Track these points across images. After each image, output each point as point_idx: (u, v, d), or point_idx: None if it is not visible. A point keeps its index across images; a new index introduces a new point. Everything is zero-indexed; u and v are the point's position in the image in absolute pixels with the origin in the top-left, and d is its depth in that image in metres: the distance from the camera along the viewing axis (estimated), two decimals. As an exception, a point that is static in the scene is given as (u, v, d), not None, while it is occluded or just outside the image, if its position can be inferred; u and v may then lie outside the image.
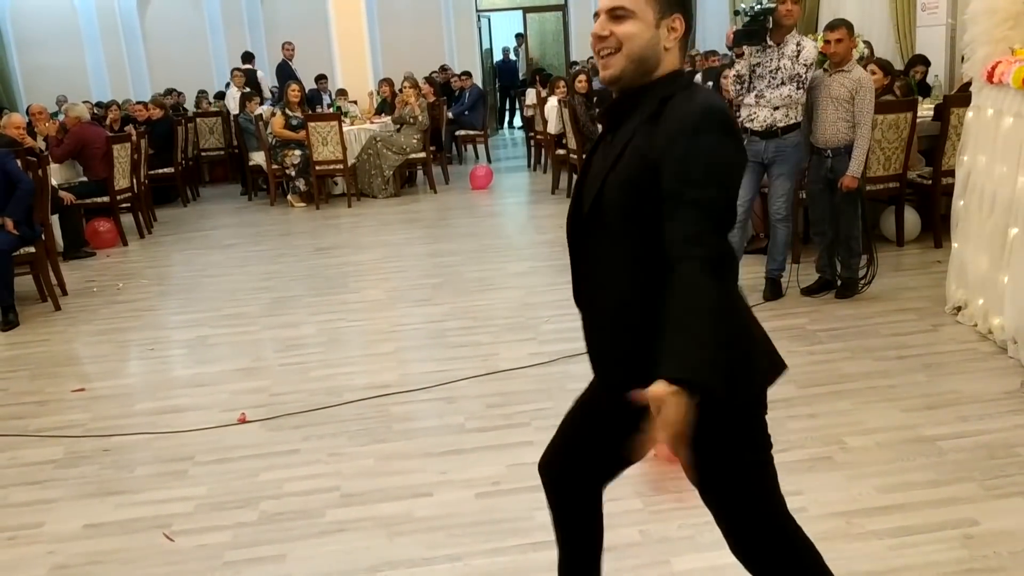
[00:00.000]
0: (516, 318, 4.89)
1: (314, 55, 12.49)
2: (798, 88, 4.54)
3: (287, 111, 9.13)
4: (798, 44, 4.54)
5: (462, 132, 11.98)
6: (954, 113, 5.54)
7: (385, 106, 10.55)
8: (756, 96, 4.62)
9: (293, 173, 9.12)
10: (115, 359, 4.73)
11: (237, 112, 10.08)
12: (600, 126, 1.81)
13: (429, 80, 11.47)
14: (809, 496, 2.80)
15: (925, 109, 6.14)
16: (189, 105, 12.66)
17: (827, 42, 4.58)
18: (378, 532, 2.79)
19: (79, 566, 2.72)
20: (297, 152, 9.05)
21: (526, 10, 17.22)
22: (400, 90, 9.84)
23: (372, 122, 9.94)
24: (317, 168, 9.01)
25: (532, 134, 11.07)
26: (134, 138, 8.07)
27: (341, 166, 9.01)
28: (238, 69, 11.89)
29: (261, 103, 10.19)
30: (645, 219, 1.59)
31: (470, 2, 15.55)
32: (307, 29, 13.40)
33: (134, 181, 7.98)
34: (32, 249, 5.60)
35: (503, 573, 2.53)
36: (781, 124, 4.58)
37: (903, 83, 6.55)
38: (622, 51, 1.62)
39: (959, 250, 4.43)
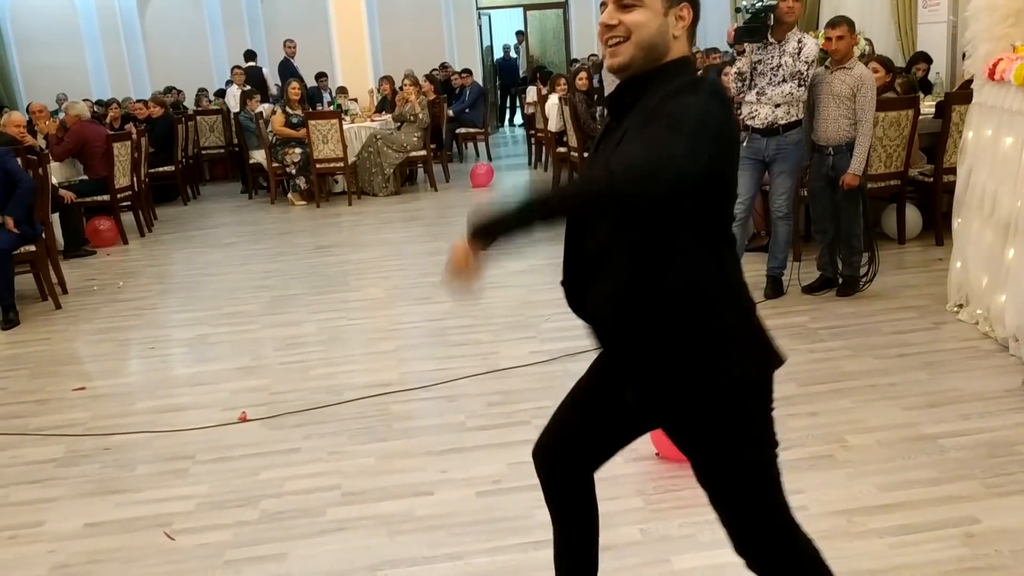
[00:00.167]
0: (516, 316, 4.89)
1: (314, 53, 12.47)
2: (799, 85, 4.53)
3: (287, 109, 9.13)
4: (799, 41, 4.53)
5: (463, 130, 11.97)
6: (955, 110, 5.53)
7: (386, 104, 10.54)
8: (757, 93, 4.61)
9: (294, 171, 9.12)
10: (115, 358, 4.73)
11: (237, 110, 10.07)
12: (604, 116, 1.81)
13: (429, 78, 11.46)
14: (810, 494, 2.80)
15: (927, 106, 6.13)
16: (189, 103, 12.66)
17: (828, 39, 4.58)
18: (379, 531, 2.78)
19: (80, 565, 2.71)
20: (298, 150, 9.05)
21: (526, 7, 17.20)
22: (400, 88, 9.84)
23: (373, 120, 9.93)
24: (318, 166, 9.00)
25: (533, 132, 11.07)
26: (134, 136, 8.07)
27: (341, 164, 9.00)
28: (239, 67, 11.89)
29: (265, 101, 10.19)
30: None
31: None
32: (307, 27, 13.39)
33: (134, 179, 7.98)
34: (32, 248, 5.60)
35: (504, 572, 2.53)
36: (782, 121, 4.58)
37: (904, 80, 6.54)
38: (631, 39, 1.61)
39: (960, 267, 4.42)
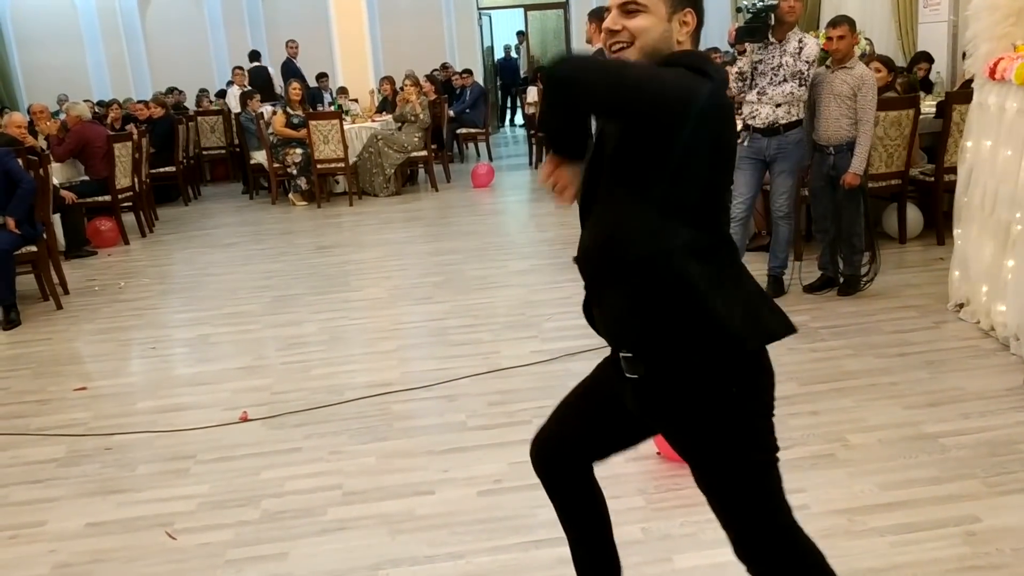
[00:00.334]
0: (517, 316, 4.89)
1: (315, 53, 12.49)
2: (800, 85, 4.53)
3: (288, 109, 9.13)
4: (800, 41, 4.53)
5: (463, 130, 11.98)
6: (956, 110, 5.53)
7: (386, 104, 10.55)
8: (758, 93, 4.61)
9: (294, 171, 9.12)
10: (117, 358, 4.73)
11: (238, 111, 10.08)
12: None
13: (430, 78, 11.46)
14: (811, 493, 2.80)
15: (927, 106, 6.12)
16: (190, 104, 12.67)
17: (829, 39, 4.58)
18: (380, 530, 2.78)
19: (81, 564, 2.72)
20: (298, 150, 9.05)
21: (527, 8, 17.20)
22: (401, 88, 9.84)
23: (373, 120, 9.93)
24: (318, 166, 9.01)
25: (533, 132, 11.07)
26: (135, 137, 8.08)
27: (342, 164, 9.01)
28: (240, 68, 11.91)
29: (272, 100, 10.19)
30: (645, 170, 1.59)
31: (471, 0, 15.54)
32: (308, 27, 13.40)
33: (135, 180, 7.99)
34: (34, 248, 5.60)
35: (505, 571, 2.53)
36: (783, 121, 4.57)
37: (904, 80, 6.54)
38: (635, 45, 1.63)
39: (961, 246, 4.42)
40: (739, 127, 4.94)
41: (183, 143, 9.82)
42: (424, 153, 9.48)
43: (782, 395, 3.59)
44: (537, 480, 2.13)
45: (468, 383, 3.95)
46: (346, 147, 8.92)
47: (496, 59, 17.16)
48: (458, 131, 11.90)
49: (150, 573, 2.65)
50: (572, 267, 1.82)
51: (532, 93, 11.43)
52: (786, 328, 1.70)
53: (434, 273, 5.99)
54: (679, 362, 1.64)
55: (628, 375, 1.71)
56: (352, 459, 3.29)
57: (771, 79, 4.57)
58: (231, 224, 8.54)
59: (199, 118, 10.98)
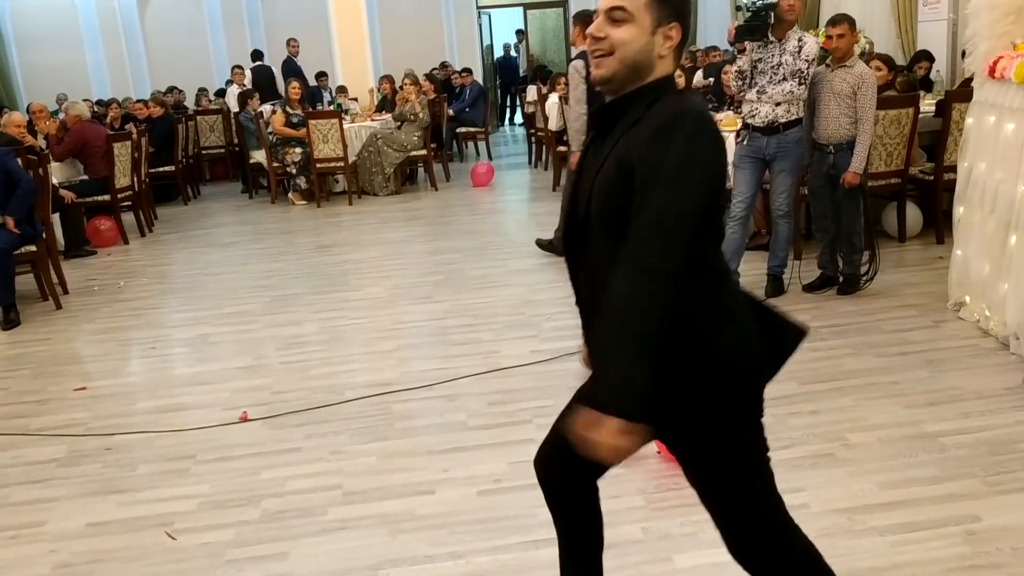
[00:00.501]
0: (517, 315, 4.89)
1: (314, 52, 12.48)
2: (800, 84, 4.53)
3: (288, 108, 9.13)
4: (800, 40, 4.53)
5: (463, 129, 11.98)
6: (956, 109, 5.53)
7: (386, 103, 10.54)
8: (758, 92, 4.61)
9: (294, 171, 9.12)
10: (116, 358, 4.73)
11: (238, 110, 10.08)
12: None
13: (430, 77, 11.46)
14: (811, 493, 2.80)
15: (927, 105, 6.13)
16: (190, 103, 12.67)
17: (829, 37, 4.58)
18: (380, 530, 2.79)
19: (81, 564, 2.72)
20: (298, 150, 9.05)
21: (527, 6, 17.20)
22: (401, 87, 9.84)
23: (373, 119, 9.93)
24: (318, 166, 9.00)
25: (533, 131, 11.07)
26: (135, 136, 8.07)
27: (342, 164, 9.01)
28: (239, 67, 11.90)
29: (276, 99, 10.18)
30: (624, 225, 1.57)
31: (470, -1, 15.55)
32: (307, 26, 13.39)
33: (135, 179, 7.99)
34: (33, 248, 5.60)
35: (505, 571, 2.53)
36: (783, 120, 4.57)
37: (904, 79, 6.54)
38: (615, 55, 1.61)
39: (961, 256, 4.42)
40: (739, 125, 4.94)
41: (182, 142, 9.82)
42: (423, 152, 9.48)
43: (782, 394, 3.61)
44: (536, 481, 2.13)
45: (468, 383, 3.96)
46: (345, 146, 8.92)
47: (495, 58, 17.16)
48: (458, 130, 11.90)
49: (150, 573, 2.65)
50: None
51: (531, 92, 11.43)
52: (774, 360, 1.71)
53: (434, 272, 5.99)
54: (684, 388, 1.65)
55: None
56: (352, 459, 3.30)
57: (771, 78, 4.57)
58: (230, 223, 8.54)
59: (198, 117, 10.98)
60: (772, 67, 4.56)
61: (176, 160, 9.54)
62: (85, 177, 7.69)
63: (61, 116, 8.21)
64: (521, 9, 17.27)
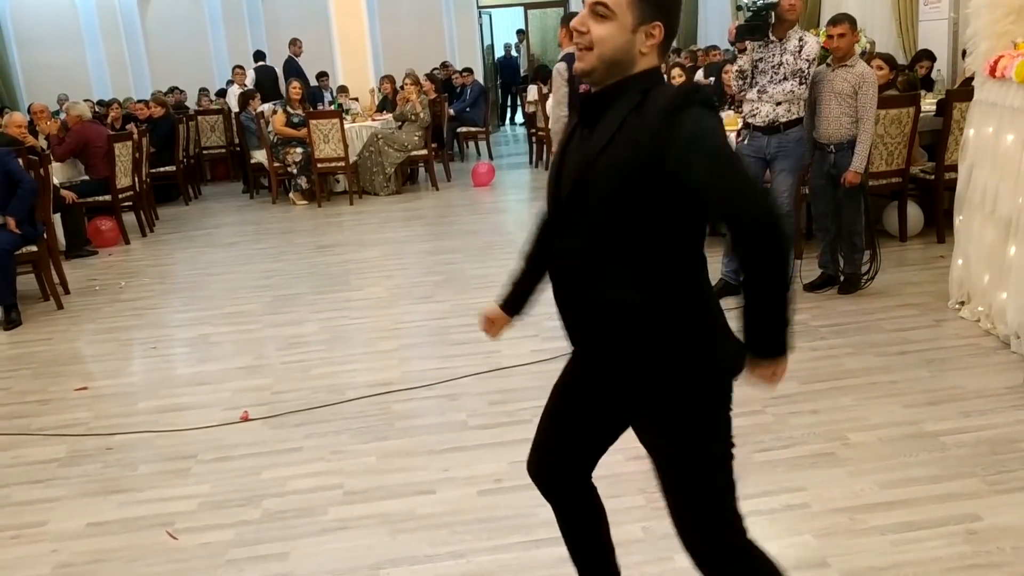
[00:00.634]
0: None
1: (315, 52, 12.48)
2: (800, 83, 4.53)
3: (288, 108, 9.13)
4: (800, 39, 4.53)
5: (464, 129, 11.98)
6: (956, 108, 5.52)
7: (386, 103, 10.54)
8: (758, 91, 4.61)
9: (295, 171, 9.12)
10: (117, 358, 4.74)
11: (238, 110, 10.08)
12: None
13: (430, 77, 11.46)
14: (812, 492, 2.80)
15: (928, 104, 6.12)
16: (191, 103, 12.67)
17: (829, 37, 4.57)
18: (381, 529, 2.79)
19: (82, 564, 2.72)
20: (299, 150, 9.05)
21: (527, 6, 17.19)
22: (401, 87, 9.84)
23: (373, 119, 9.93)
24: (319, 165, 9.00)
25: (533, 131, 11.06)
26: (135, 136, 8.08)
27: (343, 163, 9.01)
28: (240, 67, 11.91)
29: (277, 99, 10.19)
30: (631, 206, 1.60)
31: (471, -2, 15.54)
32: (308, 26, 13.39)
33: (136, 179, 7.99)
34: (34, 248, 5.61)
35: (506, 570, 2.53)
36: (783, 119, 4.57)
37: (904, 78, 6.54)
38: (594, 51, 1.62)
39: (962, 264, 4.42)
40: (739, 125, 4.94)
41: (183, 142, 9.82)
42: (424, 152, 9.48)
43: (782, 394, 3.61)
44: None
45: (469, 382, 3.96)
46: (346, 146, 8.92)
47: (496, 58, 17.15)
48: (458, 130, 11.89)
49: (151, 573, 2.66)
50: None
51: (532, 92, 11.42)
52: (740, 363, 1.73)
53: (434, 272, 5.99)
54: (661, 374, 1.69)
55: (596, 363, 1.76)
56: (353, 458, 3.30)
57: (771, 77, 4.57)
58: (231, 223, 8.54)
59: (199, 117, 10.98)
60: (773, 67, 4.56)
61: (177, 160, 9.54)
62: (86, 177, 7.70)
63: (62, 116, 8.22)
64: (522, 9, 17.27)
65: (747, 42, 4.67)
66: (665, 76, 7.69)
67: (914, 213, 5.93)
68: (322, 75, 12.08)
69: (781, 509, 2.71)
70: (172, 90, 12.80)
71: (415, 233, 7.46)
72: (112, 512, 3.02)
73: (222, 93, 12.58)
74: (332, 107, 10.26)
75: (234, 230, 8.15)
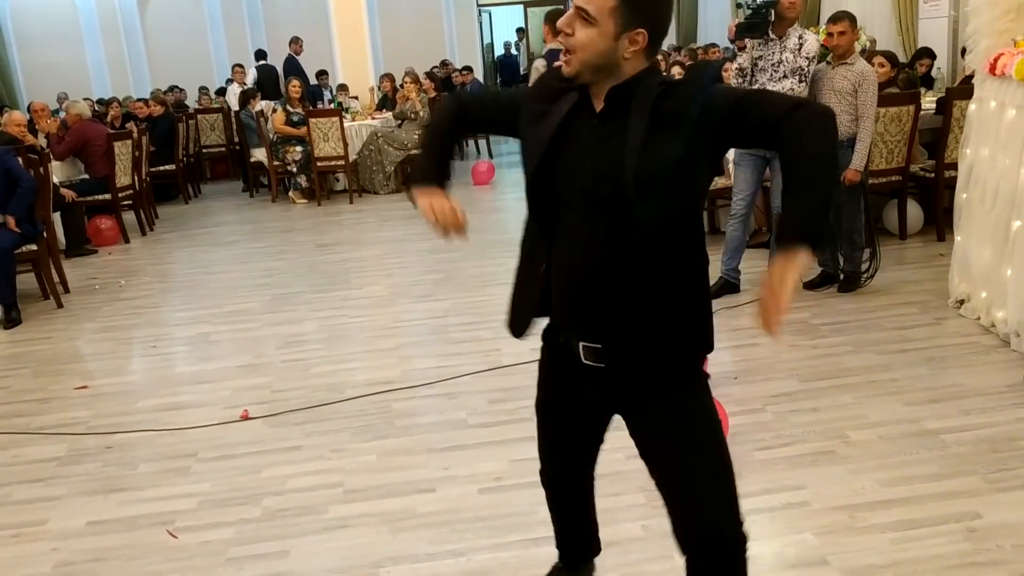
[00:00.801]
0: (518, 313, 4.87)
1: (315, 51, 12.48)
2: (800, 81, 4.52)
3: (288, 107, 9.13)
4: (800, 37, 4.52)
5: (463, 127, 11.94)
6: (956, 106, 5.52)
7: (386, 102, 10.54)
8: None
9: (294, 169, 9.12)
10: (117, 356, 4.74)
11: (238, 108, 10.08)
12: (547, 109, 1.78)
13: (430, 75, 11.46)
14: (812, 490, 2.80)
15: (928, 102, 6.12)
16: (190, 102, 12.66)
17: (829, 35, 4.57)
18: (381, 528, 2.79)
19: (83, 563, 2.72)
20: (298, 148, 9.05)
21: (527, 4, 17.20)
22: (401, 85, 9.84)
23: (373, 118, 9.93)
24: (318, 164, 9.00)
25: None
26: (135, 135, 8.07)
27: (342, 162, 9.00)
28: (240, 65, 11.90)
29: (279, 98, 10.20)
30: (680, 187, 1.64)
31: (471, -3, 15.54)
32: (308, 25, 13.39)
33: (135, 178, 7.99)
34: (34, 247, 5.60)
35: (506, 568, 2.53)
36: (783, 118, 4.56)
37: (905, 76, 6.54)
38: (576, 55, 1.62)
39: (962, 243, 4.42)
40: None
41: (183, 141, 9.82)
42: (424, 150, 9.46)
43: (783, 392, 3.61)
44: (537, 478, 2.15)
45: (469, 380, 3.96)
46: (346, 145, 8.92)
47: (496, 56, 17.16)
48: (458, 128, 11.87)
49: (152, 571, 2.66)
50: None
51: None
52: None
53: (434, 271, 5.99)
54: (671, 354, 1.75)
55: (591, 363, 1.78)
56: (353, 457, 3.30)
57: (771, 75, 4.57)
58: (231, 222, 8.54)
59: (199, 116, 10.97)
60: (772, 65, 4.56)
61: (177, 159, 9.53)
62: (86, 176, 7.69)
63: (62, 115, 8.22)
64: (521, 7, 17.28)
65: (747, 40, 4.67)
66: (665, 74, 7.65)
67: (914, 211, 5.93)
68: (322, 73, 12.07)
69: (781, 507, 2.71)
70: (172, 89, 12.79)
71: (415, 231, 7.46)
72: (112, 511, 3.02)
73: (222, 92, 12.58)
74: (332, 105, 10.26)
75: (234, 229, 8.15)
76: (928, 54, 7.63)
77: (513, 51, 17.62)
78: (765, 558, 2.42)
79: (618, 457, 2.75)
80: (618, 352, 1.76)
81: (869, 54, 6.25)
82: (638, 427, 1.82)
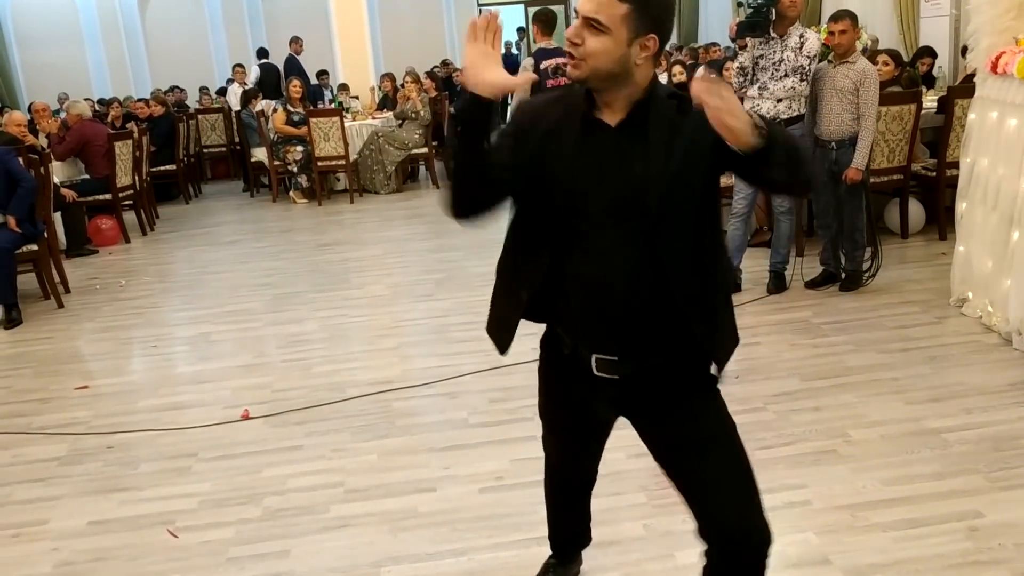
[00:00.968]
0: (519, 313, 4.87)
1: (315, 51, 12.48)
2: (801, 80, 4.52)
3: (289, 107, 9.12)
4: (801, 36, 4.52)
5: (464, 127, 11.94)
6: (958, 104, 5.51)
7: (387, 101, 10.53)
8: (759, 88, 4.60)
9: (295, 169, 9.12)
10: (118, 356, 4.73)
11: (239, 108, 10.07)
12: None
13: (431, 75, 11.44)
14: (813, 489, 2.80)
15: (929, 101, 6.11)
16: (191, 102, 12.66)
17: (831, 34, 4.57)
18: (382, 527, 2.78)
19: (84, 563, 2.72)
20: (299, 148, 9.05)
21: (528, 4, 17.19)
22: (402, 85, 9.83)
23: (374, 117, 9.92)
24: (319, 164, 9.00)
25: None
26: (136, 135, 8.07)
27: (343, 162, 9.00)
28: (240, 65, 11.90)
29: (280, 98, 10.20)
30: (710, 196, 1.70)
31: (471, -4, 15.54)
32: (308, 25, 13.39)
33: (136, 178, 7.98)
34: (35, 247, 5.60)
35: (507, 567, 2.53)
36: (784, 116, 4.56)
37: (906, 75, 6.53)
38: (588, 63, 1.61)
39: (964, 252, 4.41)
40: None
41: (183, 141, 9.81)
42: (425, 150, 9.47)
43: (784, 391, 3.61)
44: (538, 477, 2.16)
45: (470, 380, 3.95)
46: (347, 144, 8.91)
47: (497, 56, 17.12)
48: (459, 128, 11.86)
49: (152, 571, 2.65)
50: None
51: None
52: None
53: (435, 270, 5.99)
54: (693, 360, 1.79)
55: (607, 376, 1.79)
56: (354, 456, 3.29)
57: (772, 74, 4.56)
58: (232, 222, 8.54)
59: (199, 116, 10.97)
60: (774, 63, 4.55)
61: (177, 159, 9.53)
62: (86, 176, 7.69)
63: (62, 115, 8.22)
64: (522, 7, 17.26)
65: (748, 39, 4.66)
66: (665, 74, 7.65)
67: (915, 210, 5.93)
68: (322, 73, 12.07)
69: (783, 506, 2.70)
70: (172, 89, 12.79)
71: (415, 231, 7.46)
72: (113, 510, 3.02)
73: (222, 92, 12.57)
74: (332, 105, 10.26)
75: (234, 228, 8.14)
76: (929, 53, 7.61)
77: (514, 50, 17.60)
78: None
79: (618, 457, 2.74)
80: (635, 363, 1.76)
81: (872, 53, 6.24)
82: (654, 430, 1.83)
